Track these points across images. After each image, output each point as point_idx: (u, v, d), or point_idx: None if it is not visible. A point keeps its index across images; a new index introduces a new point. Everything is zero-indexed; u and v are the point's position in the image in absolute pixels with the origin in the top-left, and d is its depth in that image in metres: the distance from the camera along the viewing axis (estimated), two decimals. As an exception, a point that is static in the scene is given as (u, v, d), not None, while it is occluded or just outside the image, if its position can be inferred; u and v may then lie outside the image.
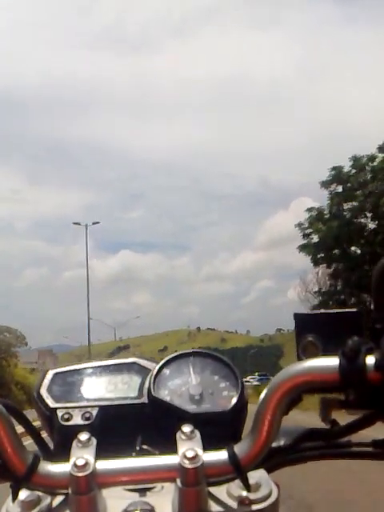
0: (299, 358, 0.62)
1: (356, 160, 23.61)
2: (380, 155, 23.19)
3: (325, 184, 24.89)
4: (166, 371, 0.72)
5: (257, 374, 68.44)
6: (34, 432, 0.64)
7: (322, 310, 0.65)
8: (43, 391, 0.72)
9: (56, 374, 0.74)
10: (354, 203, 24.03)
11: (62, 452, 0.57)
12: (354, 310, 0.64)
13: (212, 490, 0.55)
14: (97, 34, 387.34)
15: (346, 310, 0.64)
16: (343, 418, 0.62)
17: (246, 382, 53.40)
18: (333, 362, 0.53)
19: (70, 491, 0.52)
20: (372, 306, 0.58)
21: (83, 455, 0.53)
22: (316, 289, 28.53)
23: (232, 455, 0.53)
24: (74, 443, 0.54)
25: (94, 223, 36.94)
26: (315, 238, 25.18)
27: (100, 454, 0.54)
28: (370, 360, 0.52)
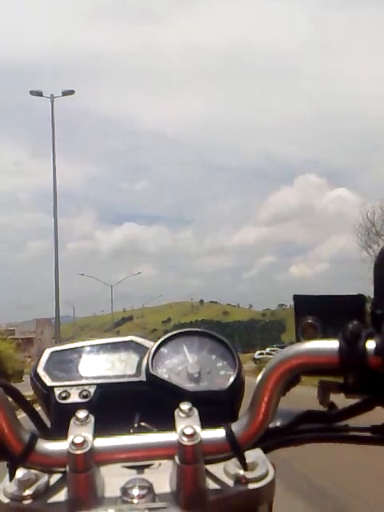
0: (298, 340, 0.61)
1: None
2: None
3: None
4: (164, 350, 0.72)
5: (275, 346, 67.36)
6: (30, 410, 0.63)
7: (323, 293, 0.65)
8: (40, 370, 0.72)
9: (53, 352, 0.74)
10: None
11: (59, 430, 0.57)
12: (356, 294, 0.63)
13: (209, 467, 0.56)
14: (102, 2, 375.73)
15: (348, 293, 0.64)
16: (341, 401, 0.62)
17: (268, 354, 52.62)
18: (333, 344, 0.53)
19: (67, 469, 0.52)
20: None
21: (81, 433, 0.53)
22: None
23: (229, 434, 0.54)
24: (72, 421, 0.54)
25: (64, 93, 25.30)
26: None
27: (98, 431, 0.54)
28: (371, 345, 0.52)
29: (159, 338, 0.74)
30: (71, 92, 26.01)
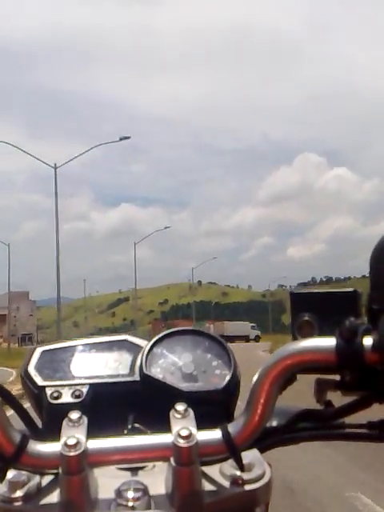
0: (294, 338, 0.61)
1: None
2: None
3: None
4: (158, 349, 0.71)
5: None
6: (21, 411, 0.62)
7: (319, 290, 0.65)
8: (31, 369, 0.70)
9: (44, 351, 0.73)
10: None
11: (51, 431, 0.56)
12: (351, 289, 0.63)
13: (205, 469, 0.55)
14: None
15: (343, 289, 0.63)
16: (338, 399, 0.61)
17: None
18: (329, 342, 0.52)
19: (60, 471, 0.51)
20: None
21: (74, 434, 0.52)
22: None
23: (226, 434, 0.53)
24: (65, 422, 0.53)
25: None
26: None
27: (91, 432, 0.53)
28: (368, 341, 0.51)
29: (153, 337, 0.72)
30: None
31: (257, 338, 62.14)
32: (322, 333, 0.58)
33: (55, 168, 23.72)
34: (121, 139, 25.16)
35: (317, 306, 0.62)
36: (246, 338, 61.34)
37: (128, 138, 25.30)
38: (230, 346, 0.70)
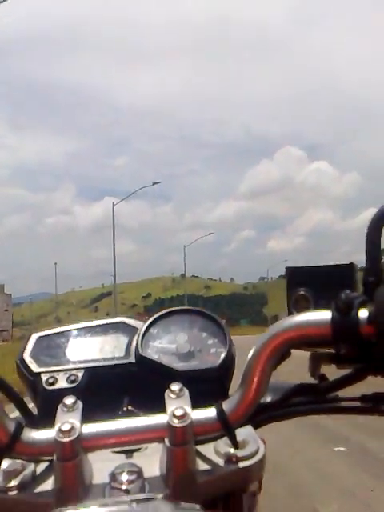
0: (290, 312, 0.61)
1: None
2: None
3: None
4: (154, 330, 0.70)
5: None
6: (16, 398, 0.61)
7: (314, 264, 0.64)
8: (26, 356, 0.70)
9: (40, 337, 0.72)
10: None
11: (47, 418, 0.55)
12: (347, 263, 0.62)
13: (199, 448, 0.55)
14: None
15: (339, 263, 0.63)
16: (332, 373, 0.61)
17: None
18: (325, 315, 0.52)
19: (54, 458, 0.51)
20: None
21: (68, 420, 0.51)
22: None
23: (220, 412, 0.53)
24: (59, 408, 0.53)
25: None
26: None
27: (87, 416, 0.52)
28: (363, 313, 0.51)
29: (149, 318, 0.72)
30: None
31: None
32: (318, 307, 0.58)
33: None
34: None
35: (313, 280, 0.62)
36: None
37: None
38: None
